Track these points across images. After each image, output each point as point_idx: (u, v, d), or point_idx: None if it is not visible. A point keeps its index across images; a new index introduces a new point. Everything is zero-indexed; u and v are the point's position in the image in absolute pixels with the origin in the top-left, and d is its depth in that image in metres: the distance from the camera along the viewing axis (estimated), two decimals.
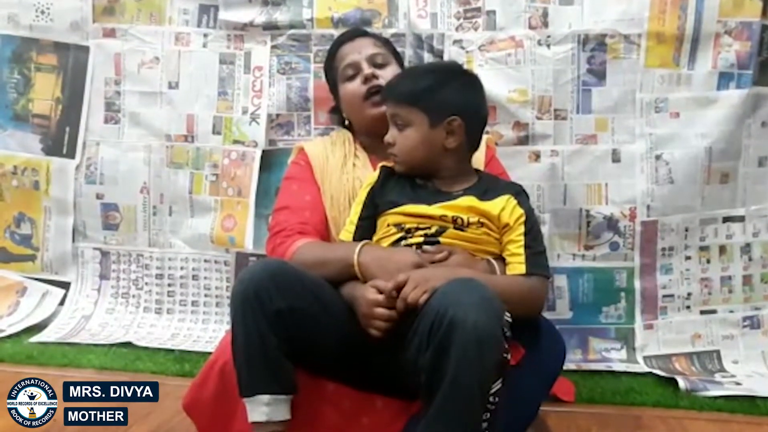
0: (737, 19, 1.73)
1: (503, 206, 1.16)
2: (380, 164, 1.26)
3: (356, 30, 1.55)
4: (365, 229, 1.21)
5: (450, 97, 1.17)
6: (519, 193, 1.20)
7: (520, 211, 1.16)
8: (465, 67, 1.26)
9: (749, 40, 1.73)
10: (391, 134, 1.21)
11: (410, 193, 1.19)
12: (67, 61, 1.97)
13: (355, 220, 1.22)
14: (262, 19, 1.85)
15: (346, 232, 1.22)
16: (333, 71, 1.44)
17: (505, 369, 0.97)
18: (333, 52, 1.45)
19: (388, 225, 1.18)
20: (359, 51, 1.39)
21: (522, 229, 1.15)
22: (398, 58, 1.47)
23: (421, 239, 1.15)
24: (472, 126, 1.19)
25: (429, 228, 1.15)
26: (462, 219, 1.15)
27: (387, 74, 1.35)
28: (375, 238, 1.20)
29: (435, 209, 1.15)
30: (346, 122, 1.44)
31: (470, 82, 1.23)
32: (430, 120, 1.17)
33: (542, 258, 1.17)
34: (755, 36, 1.73)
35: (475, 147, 1.25)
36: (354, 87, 1.37)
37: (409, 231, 1.16)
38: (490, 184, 1.22)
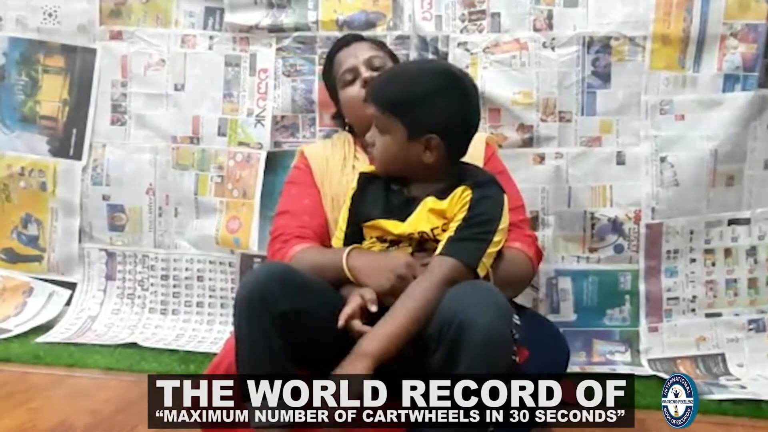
0: (743, 21, 1.73)
1: (452, 198, 1.11)
2: (359, 171, 1.25)
3: (352, 35, 1.55)
4: (354, 234, 1.20)
5: (433, 113, 1.10)
6: (482, 184, 1.11)
7: (466, 199, 1.09)
8: (460, 69, 1.18)
9: (755, 42, 1.73)
10: (372, 134, 1.18)
11: (383, 203, 1.17)
12: (74, 63, 1.98)
13: (344, 227, 1.22)
14: (267, 21, 1.86)
15: (336, 239, 1.23)
16: (332, 77, 1.44)
17: (513, 370, 0.98)
18: (330, 58, 1.46)
19: (371, 237, 1.18)
20: (356, 55, 1.40)
21: (462, 215, 1.09)
22: (395, 60, 1.47)
23: (410, 249, 1.14)
24: (452, 142, 1.14)
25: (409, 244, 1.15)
26: (427, 234, 1.12)
27: None
28: (365, 245, 1.19)
29: (403, 227, 1.13)
30: (347, 127, 1.45)
31: (460, 93, 1.13)
32: (408, 133, 1.12)
33: (467, 244, 1.08)
34: (761, 38, 1.73)
35: (460, 156, 1.19)
36: (354, 91, 1.37)
37: (393, 243, 1.16)
38: (460, 181, 1.13)
